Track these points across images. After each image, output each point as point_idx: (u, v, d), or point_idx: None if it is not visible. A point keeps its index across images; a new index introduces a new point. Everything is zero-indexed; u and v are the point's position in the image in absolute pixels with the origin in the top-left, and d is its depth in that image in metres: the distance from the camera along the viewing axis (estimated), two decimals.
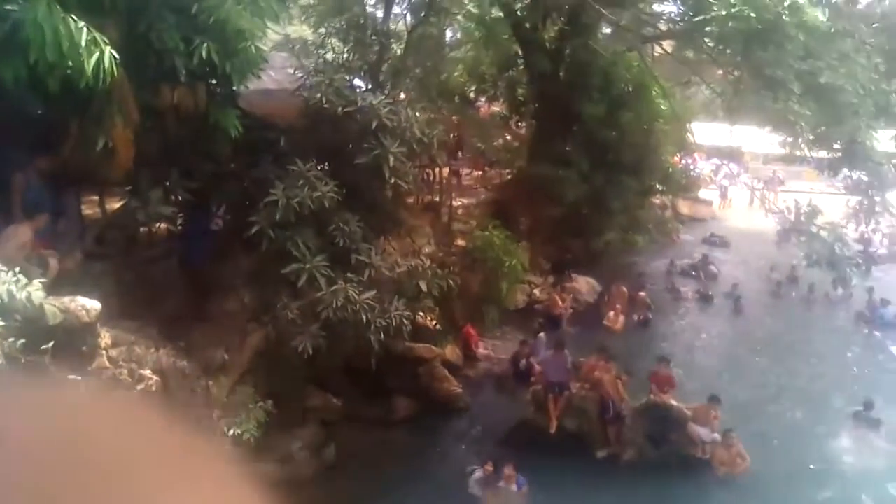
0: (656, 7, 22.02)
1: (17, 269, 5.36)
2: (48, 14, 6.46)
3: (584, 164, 20.21)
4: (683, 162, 28.68)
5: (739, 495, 11.86)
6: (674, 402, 13.01)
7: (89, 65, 6.63)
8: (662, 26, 20.14)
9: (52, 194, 7.86)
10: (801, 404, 14.97)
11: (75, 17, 6.68)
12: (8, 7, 6.45)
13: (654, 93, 21.52)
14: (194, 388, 7.47)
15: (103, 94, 7.28)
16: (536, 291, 19.89)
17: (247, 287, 10.15)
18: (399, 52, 16.24)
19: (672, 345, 18.09)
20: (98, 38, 6.77)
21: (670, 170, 23.98)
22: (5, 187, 7.52)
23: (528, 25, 20.31)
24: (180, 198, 9.74)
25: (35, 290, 5.32)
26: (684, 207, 30.68)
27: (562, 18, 21.59)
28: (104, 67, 6.72)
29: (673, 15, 20.08)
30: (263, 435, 9.04)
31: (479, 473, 11.67)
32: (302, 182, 10.22)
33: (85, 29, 6.67)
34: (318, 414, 12.36)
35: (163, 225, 10.69)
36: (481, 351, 16.34)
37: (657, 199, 26.00)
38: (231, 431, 8.06)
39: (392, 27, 16.31)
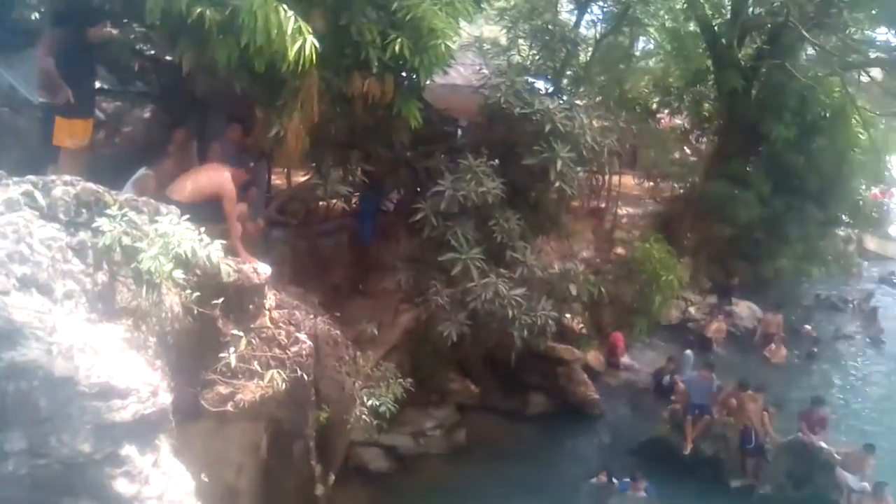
0: (867, 32, 20.59)
1: (203, 230, 5.82)
2: (263, 2, 7.13)
3: (764, 187, 19.45)
4: (878, 196, 26.69)
5: None
6: (823, 444, 12.43)
7: (292, 50, 7.20)
8: (871, 53, 18.84)
9: (244, 164, 8.73)
10: None
11: (286, 7, 7.27)
12: None
13: (853, 121, 20.20)
14: (342, 356, 8.09)
15: (292, 86, 8.00)
16: (692, 310, 19.42)
17: (404, 269, 10.76)
18: (585, 59, 16.31)
19: (831, 384, 17.17)
20: (303, 27, 7.32)
21: (860, 202, 22.42)
22: (206, 154, 8.47)
23: (723, 42, 19.73)
24: (357, 179, 10.45)
25: (215, 250, 5.76)
26: (871, 243, 28.52)
27: (761, 37, 20.90)
28: (304, 55, 7.28)
29: (886, 42, 18.72)
30: (400, 410, 9.60)
31: (594, 480, 11.88)
32: (470, 176, 10.65)
33: (293, 18, 7.27)
34: (455, 397, 12.94)
35: (338, 203, 11.50)
36: (625, 361, 16.27)
37: (841, 232, 24.44)
38: (370, 402, 8.66)
39: (583, 32, 16.39)
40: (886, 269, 26.83)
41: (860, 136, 20.53)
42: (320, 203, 11.45)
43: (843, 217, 22.54)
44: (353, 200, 11.62)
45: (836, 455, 12.26)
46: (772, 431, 12.69)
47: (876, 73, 20.95)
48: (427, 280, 10.82)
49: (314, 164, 10.26)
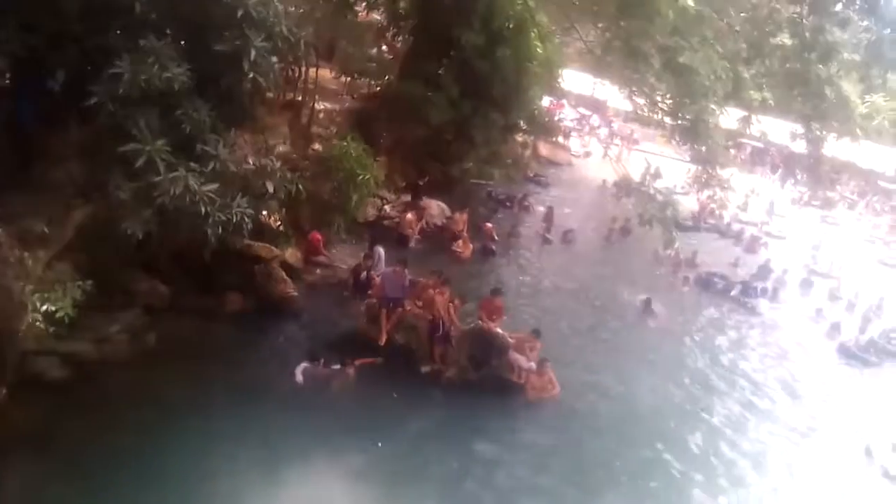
0: None
1: None
2: None
3: (453, 91, 20.28)
4: (550, 106, 29.45)
5: (541, 414, 12.90)
6: (499, 330, 13.77)
7: None
8: None
9: None
10: (616, 343, 16.47)
11: None
12: None
13: (532, 33, 21.71)
14: (6, 258, 7.07)
15: None
16: (387, 207, 20.17)
17: (77, 159, 9.53)
18: None
19: (508, 276, 19.02)
20: None
21: (536, 111, 24.47)
22: None
23: None
24: (15, 50, 8.92)
25: None
26: (544, 150, 31.75)
27: None
28: None
29: None
30: (81, 314, 8.75)
31: (307, 365, 12.06)
32: (152, 59, 9.65)
33: None
34: (143, 299, 12.15)
35: None
36: (323, 258, 16.41)
37: (519, 138, 26.63)
38: (44, 307, 7.75)
39: None
40: (561, 175, 30.58)
41: (538, 49, 22.17)
42: None
43: (522, 124, 24.48)
44: (7, 76, 9.99)
45: (509, 339, 13.71)
46: (457, 320, 13.71)
47: None
48: (104, 173, 9.70)
49: None
